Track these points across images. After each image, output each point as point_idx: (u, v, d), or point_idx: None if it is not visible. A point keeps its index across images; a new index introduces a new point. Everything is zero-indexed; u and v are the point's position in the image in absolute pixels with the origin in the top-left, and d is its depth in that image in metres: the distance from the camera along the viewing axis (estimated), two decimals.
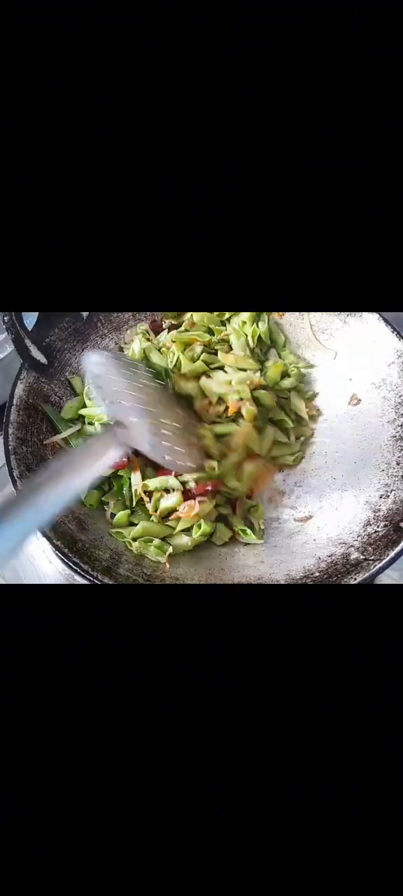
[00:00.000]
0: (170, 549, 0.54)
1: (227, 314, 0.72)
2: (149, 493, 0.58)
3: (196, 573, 0.54)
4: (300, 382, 0.69)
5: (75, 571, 0.49)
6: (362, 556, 0.51)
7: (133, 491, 0.58)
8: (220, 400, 0.62)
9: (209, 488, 0.57)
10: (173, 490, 0.57)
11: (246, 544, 0.58)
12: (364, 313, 0.67)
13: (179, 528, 0.57)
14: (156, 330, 0.74)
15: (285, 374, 0.68)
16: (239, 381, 0.62)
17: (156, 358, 0.65)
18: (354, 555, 0.51)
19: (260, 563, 0.55)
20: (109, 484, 0.60)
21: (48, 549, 0.58)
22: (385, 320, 0.66)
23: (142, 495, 0.57)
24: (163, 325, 0.74)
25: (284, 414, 0.65)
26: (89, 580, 0.49)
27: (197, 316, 0.71)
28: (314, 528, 0.57)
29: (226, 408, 0.62)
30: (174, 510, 0.57)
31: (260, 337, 0.70)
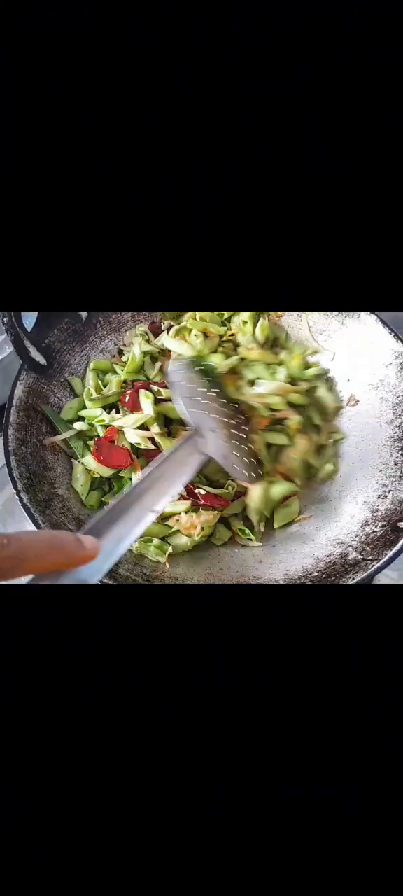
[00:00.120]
0: (170, 549, 0.54)
1: (227, 314, 0.72)
2: None
3: (195, 573, 0.54)
4: (323, 371, 0.68)
5: None
6: (360, 556, 0.51)
7: None
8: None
9: (217, 503, 0.58)
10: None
11: (243, 546, 0.58)
12: (362, 315, 0.67)
13: (176, 527, 0.57)
14: (156, 331, 0.74)
15: (307, 364, 0.67)
16: (272, 391, 0.62)
17: (215, 358, 0.65)
18: (352, 555, 0.51)
19: (258, 563, 0.55)
20: (109, 484, 0.60)
21: None
22: (383, 322, 0.66)
23: None
24: (162, 327, 0.74)
25: (313, 410, 0.64)
26: None
27: (197, 316, 0.71)
28: (312, 528, 0.57)
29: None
30: (175, 514, 0.57)
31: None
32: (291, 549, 0.56)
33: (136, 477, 0.58)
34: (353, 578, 0.49)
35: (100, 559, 0.37)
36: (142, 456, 0.59)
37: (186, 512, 0.56)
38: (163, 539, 0.56)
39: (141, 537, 0.55)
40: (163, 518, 0.57)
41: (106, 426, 0.61)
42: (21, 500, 0.52)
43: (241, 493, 0.60)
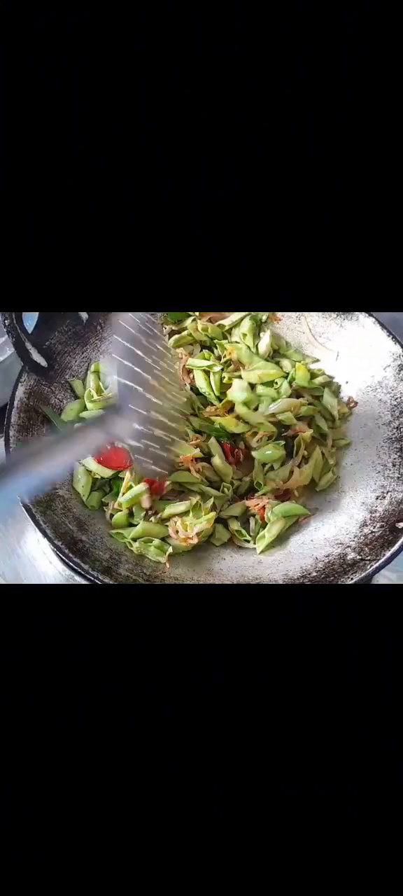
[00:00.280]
0: (170, 550, 0.54)
1: (228, 325, 0.72)
2: None
3: (195, 573, 0.54)
4: (330, 378, 0.69)
5: (75, 572, 0.49)
6: (358, 557, 0.51)
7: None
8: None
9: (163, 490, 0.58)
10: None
11: (240, 547, 0.58)
12: (360, 318, 0.68)
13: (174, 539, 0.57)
14: None
15: (313, 374, 0.68)
16: (282, 409, 0.62)
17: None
18: (351, 555, 0.52)
19: (258, 563, 0.55)
20: (109, 485, 0.60)
21: (48, 549, 0.58)
22: (381, 324, 0.66)
23: None
24: (164, 331, 0.74)
25: (321, 418, 0.65)
26: (89, 580, 0.49)
27: (199, 326, 0.71)
28: (311, 528, 0.57)
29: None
30: (174, 516, 0.57)
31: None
32: (290, 549, 0.56)
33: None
34: (352, 578, 0.49)
35: None
36: None
37: (180, 515, 0.56)
38: (163, 539, 0.56)
39: (140, 537, 0.55)
40: (164, 519, 0.57)
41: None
42: (22, 500, 0.52)
43: (241, 496, 0.60)
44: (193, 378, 0.66)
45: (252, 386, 0.65)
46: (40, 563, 0.60)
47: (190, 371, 0.66)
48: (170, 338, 0.71)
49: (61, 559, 0.51)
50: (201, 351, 0.70)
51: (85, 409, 0.65)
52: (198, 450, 0.60)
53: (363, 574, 0.49)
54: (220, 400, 0.64)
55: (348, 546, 0.53)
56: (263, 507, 0.57)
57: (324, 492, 0.61)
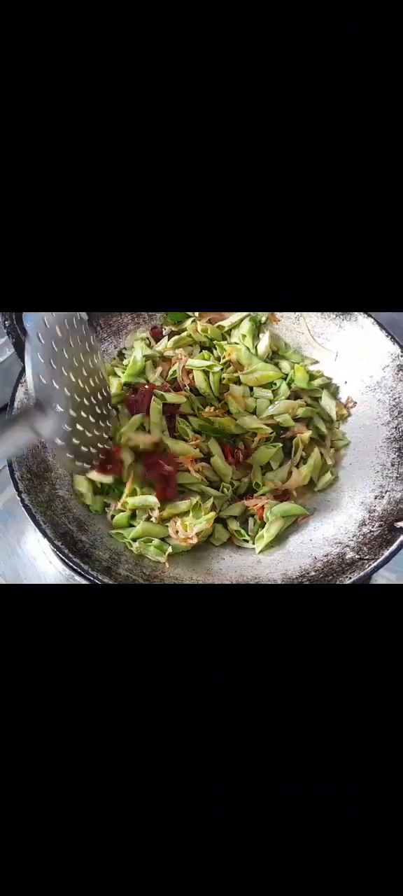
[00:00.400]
0: (170, 549, 0.54)
1: (227, 326, 0.72)
2: None
3: (195, 573, 0.54)
4: (328, 379, 0.70)
5: (75, 572, 0.49)
6: (357, 556, 0.51)
7: None
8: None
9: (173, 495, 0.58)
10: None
11: (239, 547, 0.58)
12: (359, 318, 0.68)
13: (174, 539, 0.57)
14: (157, 336, 0.74)
15: (311, 375, 0.68)
16: (281, 411, 0.63)
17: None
18: (349, 554, 0.52)
19: (257, 563, 0.56)
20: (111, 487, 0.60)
21: (48, 549, 0.58)
22: (380, 324, 0.67)
23: None
24: (163, 332, 0.74)
25: (319, 420, 0.65)
26: (89, 580, 0.49)
27: (198, 327, 0.71)
28: (310, 528, 0.58)
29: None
30: (173, 516, 0.57)
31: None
32: (289, 548, 0.56)
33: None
34: (350, 578, 0.49)
35: None
36: (141, 461, 0.59)
37: (180, 515, 0.57)
38: (162, 539, 0.56)
39: (140, 538, 0.55)
40: (164, 519, 0.57)
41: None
42: (22, 500, 0.52)
43: (241, 496, 0.60)
44: (193, 378, 0.66)
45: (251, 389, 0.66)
46: (40, 563, 0.60)
47: (189, 371, 0.66)
48: (169, 339, 0.71)
49: (61, 559, 0.51)
50: (201, 352, 0.70)
51: None
52: (197, 450, 0.60)
53: (361, 573, 0.49)
54: (220, 400, 0.65)
55: (347, 545, 0.53)
56: (262, 507, 0.58)
57: (323, 491, 0.61)
